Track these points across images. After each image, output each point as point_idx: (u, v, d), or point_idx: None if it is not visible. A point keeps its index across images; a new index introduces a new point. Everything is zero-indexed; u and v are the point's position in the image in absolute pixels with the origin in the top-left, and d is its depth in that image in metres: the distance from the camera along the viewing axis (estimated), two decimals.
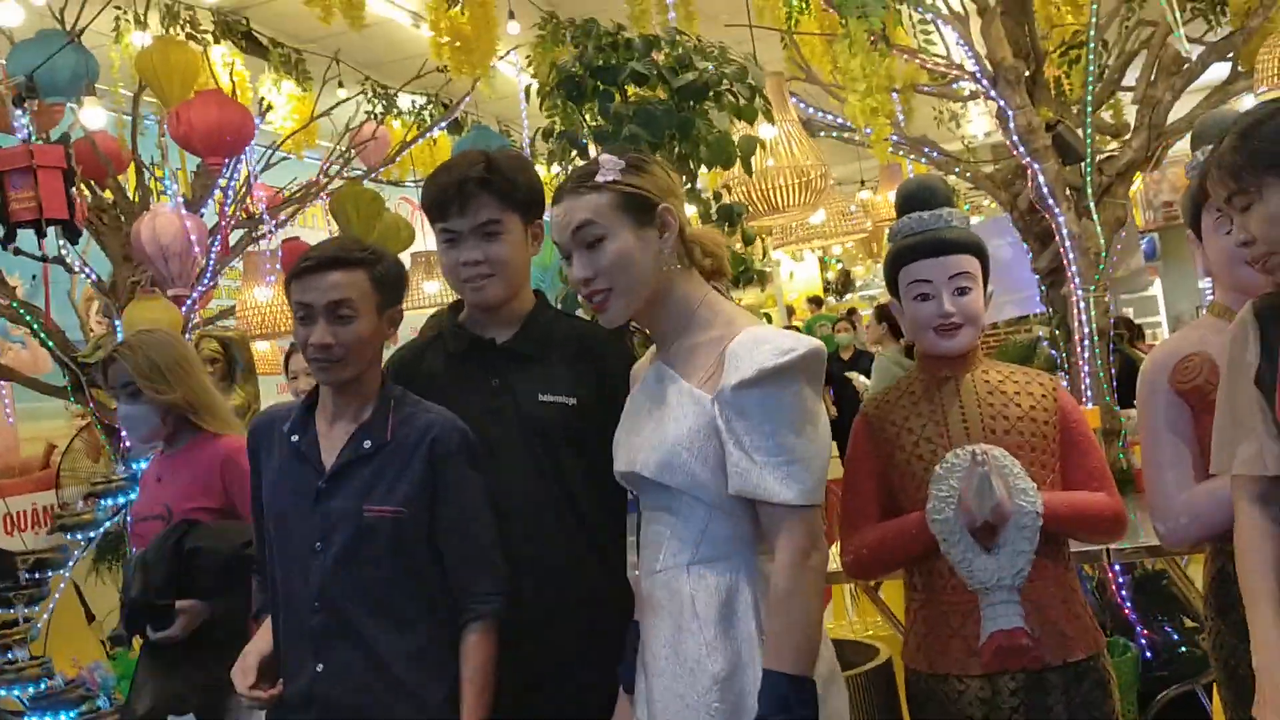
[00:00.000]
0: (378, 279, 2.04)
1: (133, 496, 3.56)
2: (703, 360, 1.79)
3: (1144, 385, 2.15)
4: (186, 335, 4.96)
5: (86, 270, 4.62)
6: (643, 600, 1.88)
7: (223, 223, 4.83)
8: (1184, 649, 3.62)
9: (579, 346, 2.15)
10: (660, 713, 1.76)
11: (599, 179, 1.81)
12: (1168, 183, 12.80)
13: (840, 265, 14.56)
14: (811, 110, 5.02)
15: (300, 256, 2.08)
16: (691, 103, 2.60)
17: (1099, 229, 4.25)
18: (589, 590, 2.07)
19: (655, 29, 2.69)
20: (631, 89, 2.66)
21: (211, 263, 4.94)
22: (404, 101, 7.11)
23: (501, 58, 5.77)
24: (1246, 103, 4.43)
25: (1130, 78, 4.84)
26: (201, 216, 4.81)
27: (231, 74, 5.52)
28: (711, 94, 2.63)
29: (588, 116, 2.69)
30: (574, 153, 2.73)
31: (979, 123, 8.14)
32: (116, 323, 4.45)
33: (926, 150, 4.85)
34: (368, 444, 2.03)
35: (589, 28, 2.71)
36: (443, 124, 6.55)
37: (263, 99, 5.95)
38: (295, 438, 2.08)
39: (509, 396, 2.11)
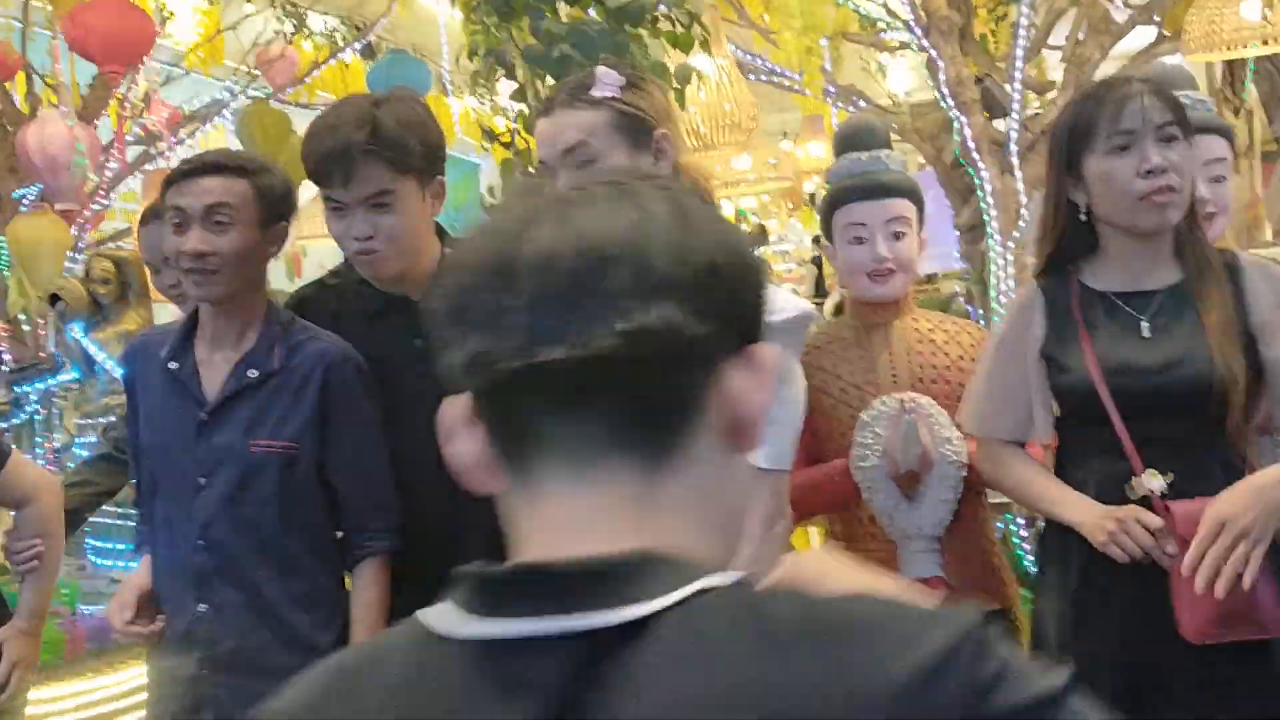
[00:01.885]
0: (261, 189, 1.88)
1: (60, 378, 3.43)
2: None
3: None
4: (77, 254, 4.72)
5: None
6: None
7: (119, 137, 4.56)
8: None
9: None
10: None
11: (595, 94, 1.68)
12: None
13: (755, 219, 14.56)
14: (741, 53, 4.93)
15: (180, 162, 1.94)
16: (627, 26, 2.49)
17: (1021, 186, 4.26)
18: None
19: None
20: (564, 7, 2.54)
21: (105, 179, 4.68)
22: (315, 22, 6.82)
23: None
24: (1175, 60, 4.48)
25: (1058, 36, 4.85)
26: (95, 130, 4.55)
27: None
28: (648, 18, 2.53)
29: (516, 35, 2.56)
30: (500, 73, 2.60)
31: (902, 79, 8.14)
32: (0, 239, 4.19)
33: (854, 99, 4.81)
34: (253, 373, 1.89)
35: None
36: (354, 46, 6.30)
37: (163, 6, 5.64)
38: (174, 364, 1.93)
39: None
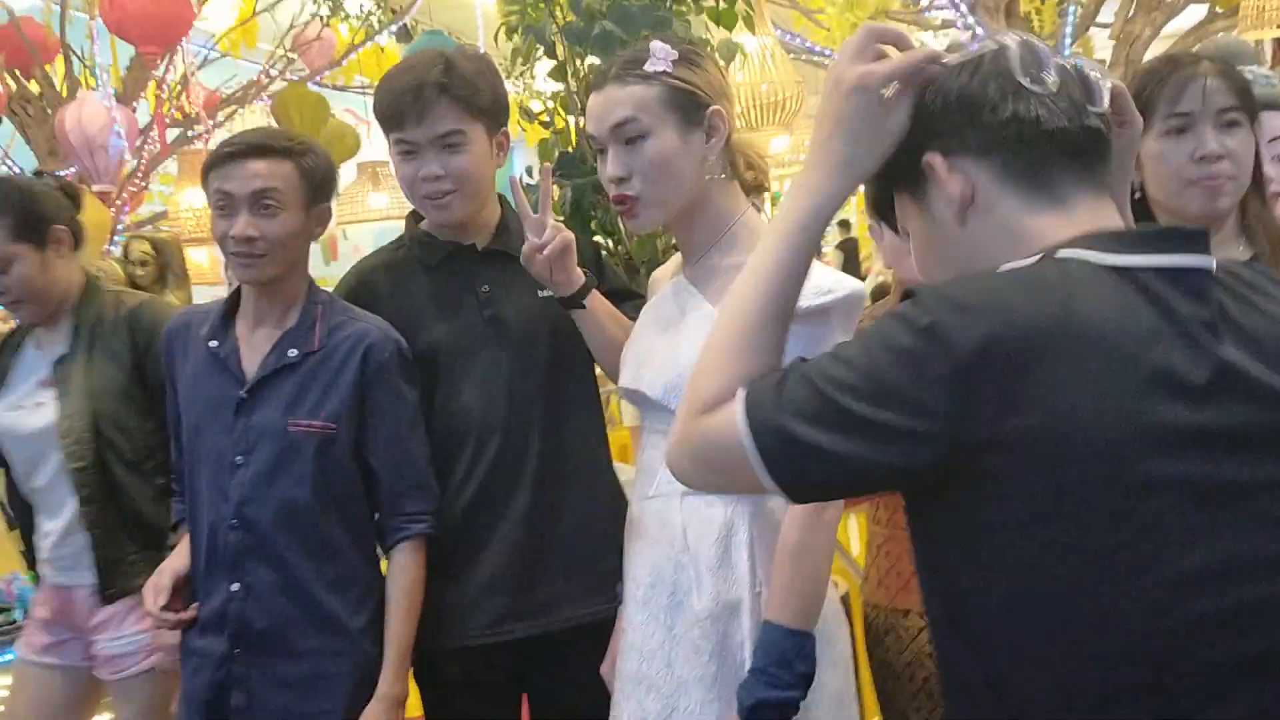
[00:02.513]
0: (306, 171, 1.87)
1: None
2: (732, 284, 1.66)
3: None
4: (116, 236, 4.73)
5: (9, 164, 4.36)
6: (631, 525, 1.76)
7: (159, 119, 4.57)
8: None
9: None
10: (641, 642, 1.66)
11: (648, 68, 1.63)
12: None
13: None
14: (782, 33, 4.86)
15: (221, 143, 1.90)
16: (669, 2, 2.44)
17: None
18: (592, 500, 1.96)
19: None
20: None
21: (143, 162, 4.69)
22: (351, 5, 6.80)
23: None
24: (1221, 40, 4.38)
25: (1106, 14, 4.76)
26: (134, 113, 4.56)
27: None
28: None
29: (557, 12, 2.51)
30: (540, 51, 2.56)
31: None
32: None
33: None
34: (293, 352, 1.88)
35: None
36: (391, 29, 6.28)
37: None
38: (214, 343, 1.92)
39: (505, 302, 1.95)
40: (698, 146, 1.64)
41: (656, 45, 1.65)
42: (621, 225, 2.41)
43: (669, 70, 1.63)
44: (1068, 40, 4.20)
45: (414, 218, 2.06)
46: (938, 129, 1.01)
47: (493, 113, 1.93)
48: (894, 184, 1.08)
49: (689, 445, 1.05)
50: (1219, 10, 4.47)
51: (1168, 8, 4.35)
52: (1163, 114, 1.71)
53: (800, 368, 0.98)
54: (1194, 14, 4.71)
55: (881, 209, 1.14)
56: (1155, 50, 4.46)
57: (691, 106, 1.64)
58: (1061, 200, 0.99)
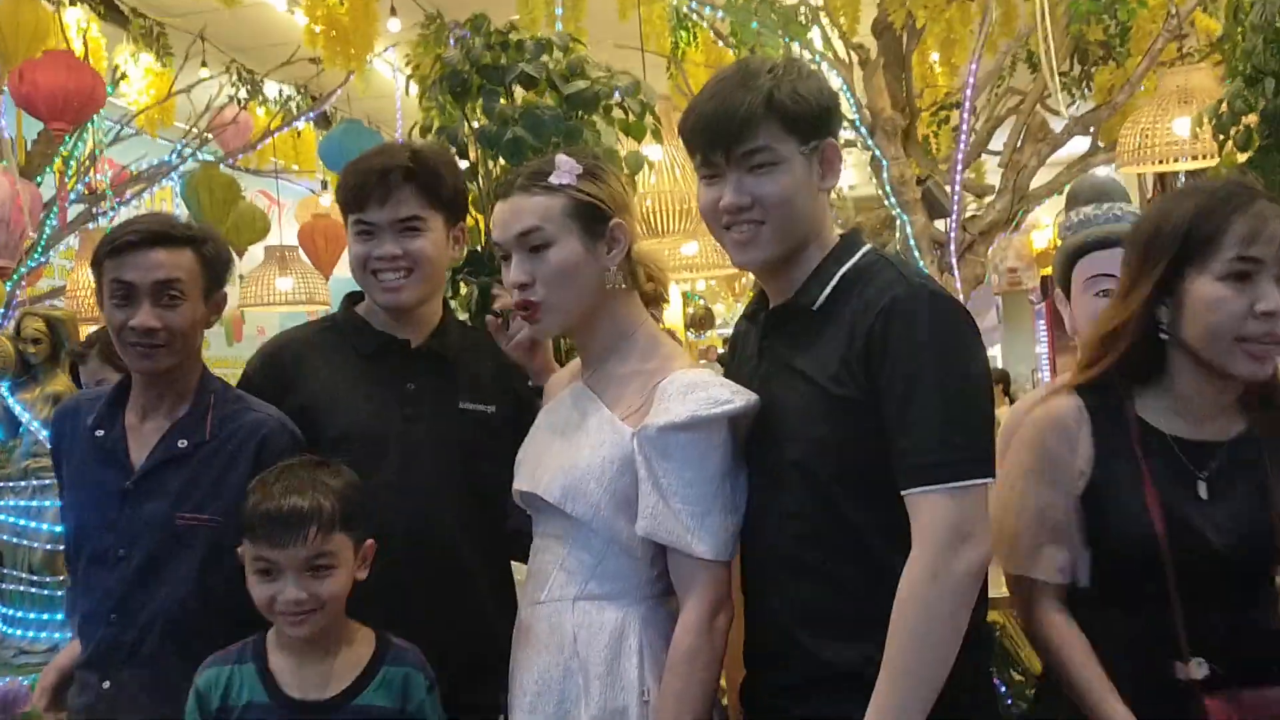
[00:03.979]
0: (207, 260, 1.88)
1: None
2: (631, 391, 1.68)
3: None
4: (10, 312, 4.61)
5: None
6: (519, 630, 1.76)
7: (61, 195, 4.50)
8: (1010, 702, 3.67)
9: (493, 354, 2.02)
10: None
11: (553, 180, 1.69)
12: (1013, 249, 13.39)
13: (703, 302, 14.68)
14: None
15: (114, 229, 1.88)
16: (580, 112, 2.52)
17: (959, 284, 4.37)
18: (491, 610, 1.93)
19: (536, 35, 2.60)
20: (519, 92, 2.56)
21: (45, 237, 4.60)
22: (270, 89, 6.82)
23: (380, 54, 5.59)
24: (1104, 173, 4.66)
25: (996, 143, 5.02)
26: (38, 186, 4.48)
27: (85, 38, 5.16)
28: (602, 106, 2.56)
29: (470, 114, 2.57)
30: (453, 151, 2.61)
31: (845, 174, 8.35)
32: None
33: None
34: (183, 443, 1.85)
35: (479, 23, 2.60)
36: (311, 115, 6.31)
37: (116, 67, 5.61)
38: (100, 432, 1.88)
39: (427, 402, 1.96)
40: (600, 256, 1.70)
41: (562, 159, 1.71)
42: None
43: (573, 183, 1.69)
44: (959, 166, 4.42)
45: (349, 301, 2.08)
46: None
47: (453, 205, 2.00)
48: None
49: None
50: (1100, 144, 4.76)
51: (1053, 139, 4.62)
52: (1230, 254, 1.52)
53: None
54: (1078, 145, 4.99)
55: None
56: (1041, 179, 4.72)
57: (594, 218, 1.70)
58: None
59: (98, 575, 1.83)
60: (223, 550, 1.80)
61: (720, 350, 12.05)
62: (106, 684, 1.80)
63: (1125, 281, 1.65)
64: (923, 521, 1.45)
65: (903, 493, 1.48)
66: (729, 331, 14.59)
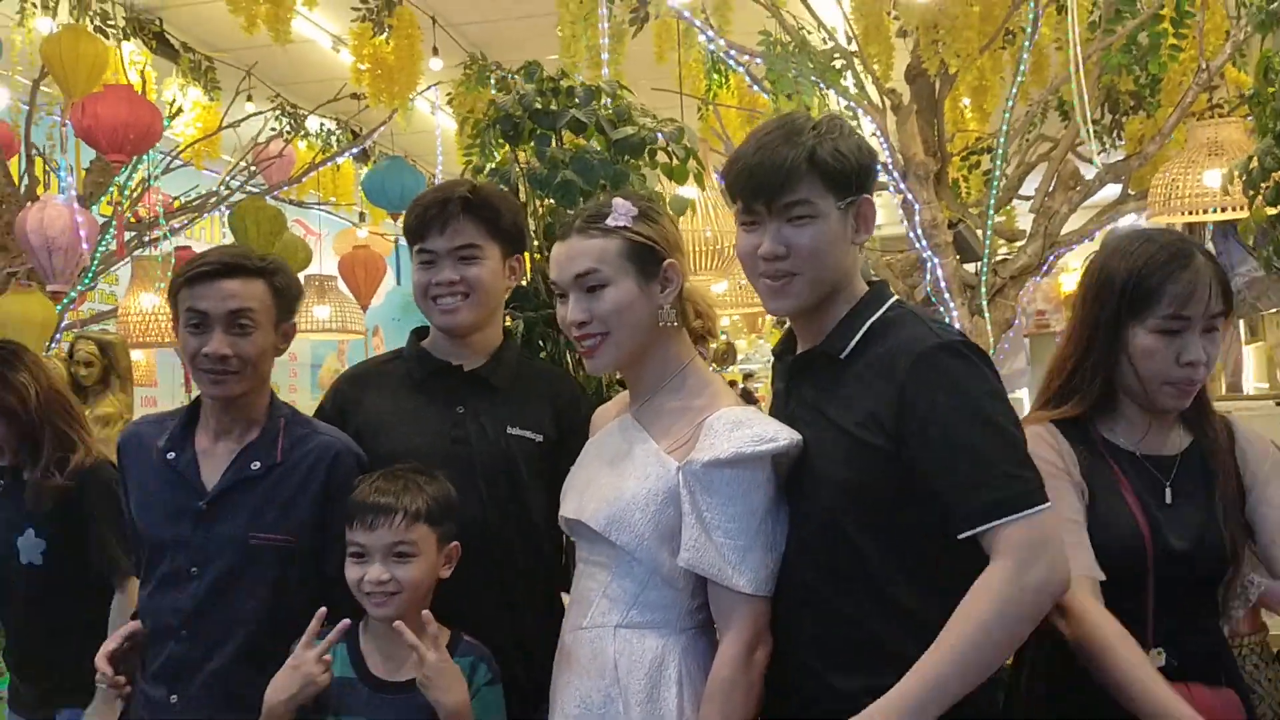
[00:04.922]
0: (278, 290, 1.96)
1: None
2: (678, 426, 1.74)
3: None
4: (58, 335, 4.74)
5: None
6: (561, 654, 1.81)
7: (120, 224, 4.64)
8: None
9: (548, 384, 2.11)
10: None
11: (609, 223, 1.76)
12: (1041, 292, 13.41)
13: (725, 338, 14.76)
14: (722, 181, 5.10)
15: (190, 260, 1.96)
16: (627, 156, 2.61)
17: (989, 327, 4.42)
18: (537, 631, 1.98)
19: (585, 82, 2.70)
20: (568, 136, 2.66)
21: (96, 263, 4.74)
22: (312, 124, 6.99)
23: (422, 93, 5.73)
24: (1130, 220, 4.73)
25: (1027, 188, 5.08)
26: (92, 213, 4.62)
27: (142, 73, 5.33)
28: (648, 150, 2.65)
29: (521, 157, 2.67)
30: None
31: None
32: None
33: None
34: (256, 465, 1.93)
35: (531, 70, 2.71)
36: (352, 150, 6.46)
37: (172, 101, 5.77)
38: (172, 454, 1.95)
39: (474, 425, 2.03)
40: (654, 295, 1.77)
41: (618, 202, 1.78)
42: (568, 357, 2.54)
43: (629, 225, 1.76)
44: (990, 210, 4.48)
45: (416, 335, 2.17)
46: None
47: (510, 236, 2.08)
48: None
49: None
50: (1131, 192, 4.81)
51: (1084, 188, 4.68)
52: (1164, 312, 1.72)
53: None
54: (1110, 190, 5.05)
55: None
56: (1072, 225, 4.78)
57: (649, 259, 1.77)
58: None
59: (168, 592, 1.89)
60: (292, 568, 1.88)
61: (742, 385, 12.11)
62: (174, 698, 1.85)
63: (1074, 322, 1.85)
64: (999, 547, 1.48)
65: (971, 533, 1.50)
66: (750, 367, 14.68)
